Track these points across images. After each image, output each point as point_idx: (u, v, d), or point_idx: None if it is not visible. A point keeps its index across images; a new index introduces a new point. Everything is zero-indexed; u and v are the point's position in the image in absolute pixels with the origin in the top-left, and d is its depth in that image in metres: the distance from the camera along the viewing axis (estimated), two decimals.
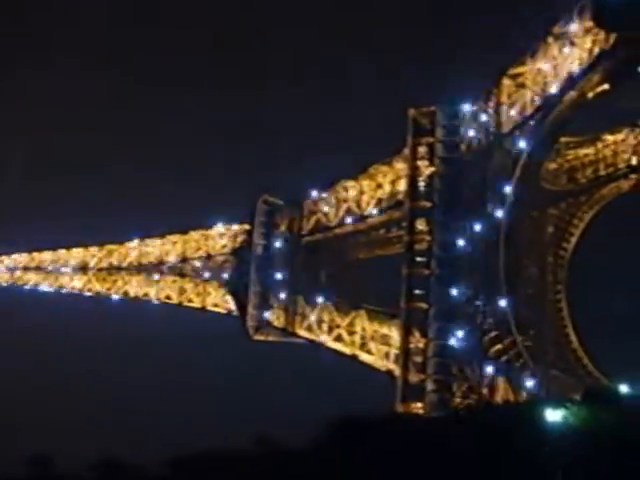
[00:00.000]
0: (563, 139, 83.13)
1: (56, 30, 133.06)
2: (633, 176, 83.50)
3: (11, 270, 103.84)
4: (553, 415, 45.47)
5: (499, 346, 72.21)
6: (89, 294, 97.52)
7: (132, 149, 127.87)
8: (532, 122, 72.44)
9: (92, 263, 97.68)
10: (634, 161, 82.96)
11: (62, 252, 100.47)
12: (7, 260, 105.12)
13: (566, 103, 71.42)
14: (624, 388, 64.08)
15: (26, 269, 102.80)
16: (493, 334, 72.46)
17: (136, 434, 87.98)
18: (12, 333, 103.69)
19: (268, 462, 35.75)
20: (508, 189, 72.45)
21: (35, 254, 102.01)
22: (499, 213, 72.77)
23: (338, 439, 36.19)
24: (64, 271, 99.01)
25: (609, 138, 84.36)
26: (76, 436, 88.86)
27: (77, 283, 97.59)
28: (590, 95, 71.61)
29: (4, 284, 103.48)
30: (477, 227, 73.58)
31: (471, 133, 75.86)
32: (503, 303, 72.05)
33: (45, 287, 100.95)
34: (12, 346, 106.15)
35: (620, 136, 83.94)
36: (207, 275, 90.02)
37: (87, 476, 37.97)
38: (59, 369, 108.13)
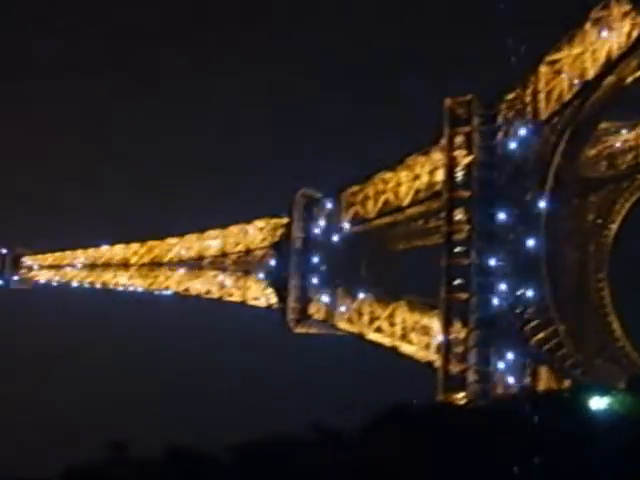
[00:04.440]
0: (602, 125, 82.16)
1: None
2: None
3: (54, 268, 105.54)
4: (598, 403, 45.25)
5: (541, 335, 71.78)
6: (132, 289, 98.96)
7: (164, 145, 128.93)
8: (570, 109, 71.81)
9: (134, 259, 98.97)
10: None
11: (105, 248, 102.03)
12: (50, 258, 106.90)
13: (604, 88, 70.69)
14: None
15: (58, 267, 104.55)
16: (534, 323, 72.05)
17: (196, 424, 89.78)
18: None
19: (326, 447, 36.50)
20: (548, 177, 71.94)
21: (79, 251, 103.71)
22: (539, 202, 72.22)
23: (390, 426, 36.63)
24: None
25: None
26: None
27: (121, 279, 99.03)
28: (629, 80, 70.79)
29: (54, 283, 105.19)
30: (516, 216, 73.26)
31: (508, 121, 75.40)
32: (545, 292, 71.66)
33: (87, 284, 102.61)
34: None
35: None
36: (247, 269, 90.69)
37: (163, 461, 39.18)
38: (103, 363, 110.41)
